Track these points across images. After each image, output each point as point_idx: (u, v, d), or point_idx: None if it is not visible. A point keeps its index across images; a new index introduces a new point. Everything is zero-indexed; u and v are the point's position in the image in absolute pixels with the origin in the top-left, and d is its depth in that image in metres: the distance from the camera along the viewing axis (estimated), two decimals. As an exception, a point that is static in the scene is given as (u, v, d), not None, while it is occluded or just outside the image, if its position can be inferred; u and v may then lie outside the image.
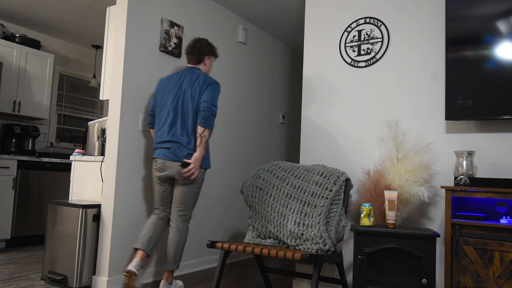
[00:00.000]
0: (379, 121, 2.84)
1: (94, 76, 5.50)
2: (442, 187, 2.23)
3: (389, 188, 2.49)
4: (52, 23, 4.73)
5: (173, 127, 2.69)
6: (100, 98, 3.24)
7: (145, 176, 3.12)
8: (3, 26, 4.60)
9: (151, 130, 2.92)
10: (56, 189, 4.62)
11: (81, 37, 5.22)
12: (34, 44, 4.77)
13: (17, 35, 4.63)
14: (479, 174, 2.45)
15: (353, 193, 2.86)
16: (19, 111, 4.58)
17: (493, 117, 2.32)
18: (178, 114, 2.69)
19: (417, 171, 2.44)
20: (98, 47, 5.53)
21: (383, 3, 2.90)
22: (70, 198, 3.35)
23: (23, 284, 2.92)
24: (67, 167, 4.72)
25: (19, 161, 4.28)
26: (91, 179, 3.21)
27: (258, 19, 4.25)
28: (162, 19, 3.25)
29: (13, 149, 4.58)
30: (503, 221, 2.12)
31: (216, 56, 2.98)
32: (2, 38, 4.54)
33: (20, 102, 4.59)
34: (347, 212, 2.63)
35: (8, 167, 4.18)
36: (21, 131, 4.60)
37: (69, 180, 4.70)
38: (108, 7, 3.32)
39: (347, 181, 2.59)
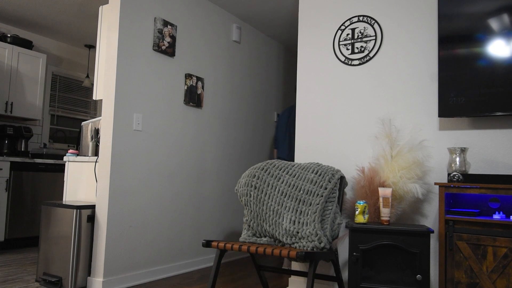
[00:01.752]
0: (373, 118, 2.85)
1: (87, 76, 5.47)
2: (435, 183, 2.25)
3: (383, 185, 2.50)
4: (44, 22, 4.70)
5: (286, 146, 3.94)
6: (94, 98, 3.22)
7: (139, 176, 3.11)
8: (-6, 26, 4.57)
9: (275, 150, 4.10)
10: (50, 190, 4.59)
11: (74, 37, 5.19)
12: (26, 44, 4.74)
13: (9, 35, 4.59)
14: (472, 171, 2.47)
15: (348, 191, 2.87)
16: (11, 112, 4.55)
17: (485, 113, 2.33)
18: (289, 139, 3.92)
19: (411, 168, 2.45)
20: (91, 46, 5.50)
21: (376, 1, 2.91)
22: (64, 199, 3.33)
23: (18, 287, 2.91)
24: (61, 168, 4.69)
25: (12, 162, 4.25)
26: (85, 180, 3.20)
27: (252, 18, 4.25)
28: (155, 18, 3.24)
29: (5, 150, 4.54)
30: (496, 216, 2.14)
31: None
32: (-7, 39, 4.50)
33: (12, 103, 4.56)
34: (342, 209, 2.64)
35: (1, 169, 4.15)
36: (14, 132, 4.57)
37: (63, 181, 4.68)
38: (101, 6, 3.30)
39: (342, 178, 2.60)
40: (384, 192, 2.36)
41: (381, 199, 2.36)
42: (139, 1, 3.12)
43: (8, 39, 4.57)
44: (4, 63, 4.49)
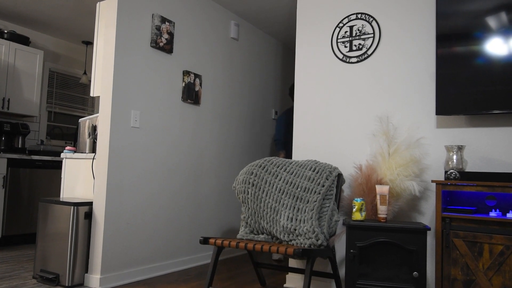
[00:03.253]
0: (371, 116, 2.86)
1: (85, 73, 5.45)
2: (432, 181, 2.26)
3: (380, 183, 2.51)
4: (41, 19, 4.67)
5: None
6: (91, 94, 3.21)
7: (137, 173, 3.11)
8: (-9, 22, 4.54)
9: (281, 153, 4.04)
10: (47, 187, 4.58)
11: (71, 33, 5.17)
12: (23, 40, 4.72)
13: (6, 31, 4.57)
14: (469, 168, 2.47)
15: (345, 188, 2.88)
16: (8, 108, 4.53)
17: (482, 111, 2.34)
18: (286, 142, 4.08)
19: (408, 165, 2.46)
20: (89, 43, 5.48)
21: (374, -1, 2.91)
22: (61, 196, 3.33)
23: (15, 283, 2.90)
24: (58, 165, 4.68)
25: (9, 159, 4.24)
26: (83, 177, 3.19)
27: (250, 15, 4.25)
28: (153, 14, 3.23)
29: (2, 147, 4.53)
30: (492, 214, 2.15)
31: None
32: (-10, 35, 4.48)
33: (9, 99, 4.54)
34: (339, 207, 2.65)
35: (-2, 165, 4.14)
36: (11, 129, 4.56)
37: (60, 178, 4.67)
38: (98, 2, 3.29)
39: (339, 176, 2.60)
40: (381, 189, 2.37)
41: (378, 197, 2.37)
42: (136, -3, 3.11)
43: (5, 35, 4.55)
44: (1, 59, 4.47)
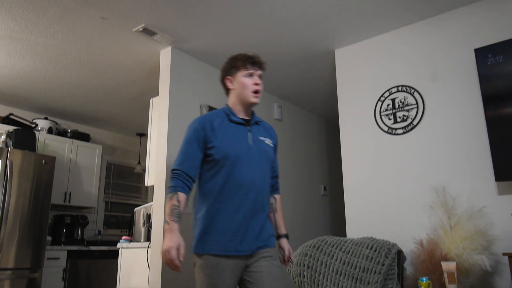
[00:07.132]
0: (425, 187, 2.75)
1: (139, 162, 5.75)
2: (504, 254, 2.08)
3: (445, 259, 2.34)
4: (100, 116, 5.10)
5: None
6: (145, 184, 3.35)
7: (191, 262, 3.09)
8: (57, 123, 4.99)
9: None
10: (104, 277, 4.64)
11: (127, 127, 5.56)
12: (84, 137, 5.12)
13: (69, 130, 4.99)
14: (544, 237, 2.27)
15: (407, 266, 2.69)
16: (69, 201, 4.79)
17: (548, 175, 2.20)
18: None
19: (474, 238, 2.29)
20: (142, 135, 5.84)
21: (413, 71, 2.95)
22: (117, 286, 3.34)
23: None
24: (115, 254, 4.77)
25: (68, 251, 4.38)
26: (138, 266, 3.22)
27: (292, 96, 4.41)
28: (201, 105, 3.43)
29: (63, 239, 4.71)
30: None
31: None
32: (55, 134, 4.90)
33: (70, 192, 4.82)
34: (403, 287, 2.47)
35: (59, 258, 4.28)
36: (71, 221, 4.77)
37: (117, 267, 4.73)
38: (152, 98, 3.56)
39: (399, 253, 2.46)
40: (448, 266, 2.20)
41: (445, 275, 2.19)
42: (186, 91, 3.35)
43: (68, 134, 4.97)
44: (64, 156, 4.83)
